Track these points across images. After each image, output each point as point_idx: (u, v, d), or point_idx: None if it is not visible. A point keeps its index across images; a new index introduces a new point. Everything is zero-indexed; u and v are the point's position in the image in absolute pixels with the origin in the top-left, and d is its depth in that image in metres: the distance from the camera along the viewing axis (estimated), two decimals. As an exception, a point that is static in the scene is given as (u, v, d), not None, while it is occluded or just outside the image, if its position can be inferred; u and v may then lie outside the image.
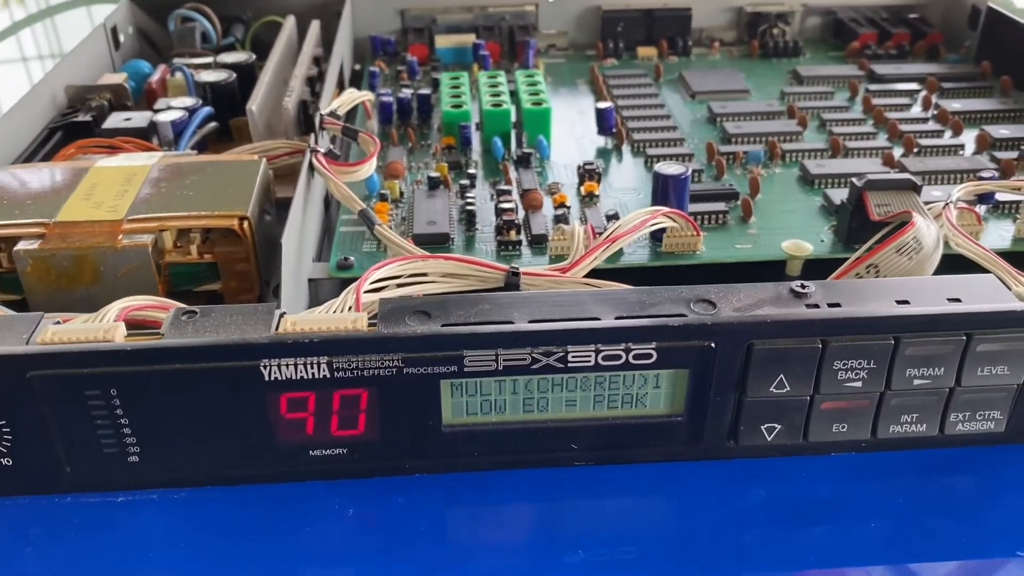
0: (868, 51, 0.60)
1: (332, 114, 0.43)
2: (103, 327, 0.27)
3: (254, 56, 0.50)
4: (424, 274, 0.33)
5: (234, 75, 0.47)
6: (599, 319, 0.28)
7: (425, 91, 0.51)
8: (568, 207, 0.42)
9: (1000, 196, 0.39)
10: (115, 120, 0.44)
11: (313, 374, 0.27)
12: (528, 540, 0.29)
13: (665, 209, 0.37)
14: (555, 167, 0.46)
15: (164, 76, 0.52)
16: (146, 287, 0.33)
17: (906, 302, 0.29)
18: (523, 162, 0.46)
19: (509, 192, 0.42)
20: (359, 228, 0.40)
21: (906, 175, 0.38)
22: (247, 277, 0.35)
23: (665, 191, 0.39)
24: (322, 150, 0.39)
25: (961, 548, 0.29)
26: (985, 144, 0.47)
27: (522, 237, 0.39)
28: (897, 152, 0.47)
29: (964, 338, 0.28)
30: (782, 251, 0.39)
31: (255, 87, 0.44)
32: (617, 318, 0.28)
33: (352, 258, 0.38)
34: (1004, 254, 0.38)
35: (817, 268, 0.38)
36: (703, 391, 0.29)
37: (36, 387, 0.27)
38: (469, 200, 0.41)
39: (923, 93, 0.54)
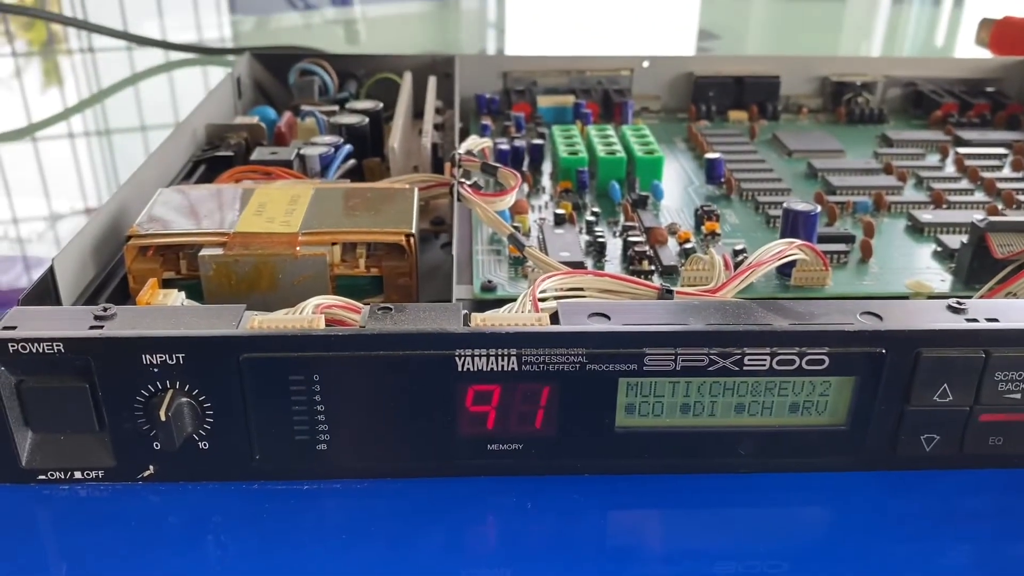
0: (951, 119, 0.62)
1: (468, 153, 0.45)
2: (306, 318, 0.29)
3: (381, 104, 0.53)
4: (581, 289, 0.35)
5: (367, 119, 0.50)
6: (772, 324, 0.29)
7: (537, 141, 0.54)
8: (692, 243, 0.43)
9: None
10: (261, 153, 0.46)
11: (503, 366, 0.29)
12: (685, 547, 0.30)
13: (799, 242, 0.38)
14: (670, 211, 0.48)
15: (291, 121, 0.55)
16: (319, 295, 0.35)
17: (1056, 318, 0.30)
18: (640, 204, 0.48)
19: (634, 228, 0.44)
20: (495, 256, 0.43)
21: (1026, 218, 0.40)
22: (408, 291, 0.37)
23: (795, 226, 0.40)
24: (468, 182, 0.41)
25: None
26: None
27: (653, 268, 0.41)
28: (999, 206, 0.49)
29: (1120, 352, 0.29)
30: (906, 288, 0.40)
31: (392, 129, 0.47)
32: (791, 324, 0.29)
33: (494, 280, 0.40)
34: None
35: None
36: (868, 399, 0.30)
37: (246, 369, 0.28)
38: (599, 233, 0.43)
39: (1011, 157, 0.56)
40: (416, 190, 0.40)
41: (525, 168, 0.54)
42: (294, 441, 0.30)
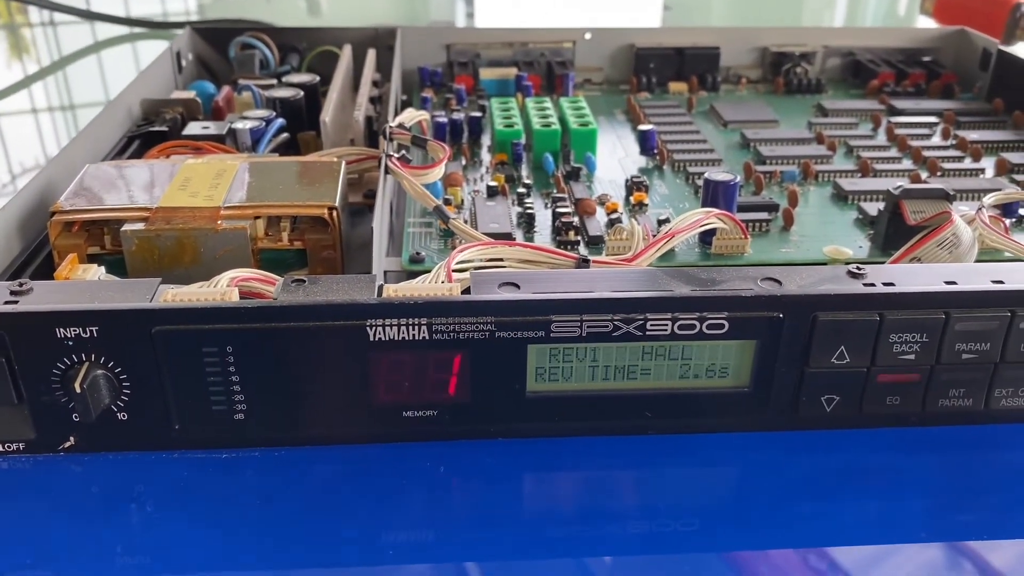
0: (887, 88, 0.64)
1: (400, 126, 0.46)
2: (219, 291, 0.30)
3: (318, 78, 0.53)
4: (500, 260, 0.35)
5: (302, 92, 0.50)
6: (674, 291, 0.30)
7: (476, 114, 0.55)
8: (620, 213, 0.44)
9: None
10: (193, 128, 0.46)
11: (414, 335, 0.30)
12: (598, 507, 0.31)
13: (717, 211, 0.39)
14: (602, 182, 0.49)
15: (229, 95, 0.55)
16: (242, 267, 0.35)
17: (953, 283, 0.31)
18: (573, 176, 0.49)
19: (564, 199, 0.45)
20: (426, 228, 0.43)
21: (939, 186, 0.41)
22: (333, 264, 0.37)
23: (715, 197, 0.41)
24: (396, 155, 0.42)
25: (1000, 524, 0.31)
26: (1004, 168, 0.50)
27: (579, 238, 0.42)
28: (923, 174, 0.50)
29: (1009, 314, 0.31)
30: (824, 255, 0.41)
31: (325, 103, 0.48)
32: (692, 291, 0.30)
33: (423, 252, 0.41)
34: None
35: (857, 271, 0.41)
36: (769, 362, 0.31)
37: (159, 342, 0.29)
38: (528, 205, 0.44)
39: (941, 126, 0.57)
40: (343, 163, 0.41)
41: (464, 141, 0.54)
42: (212, 411, 0.30)
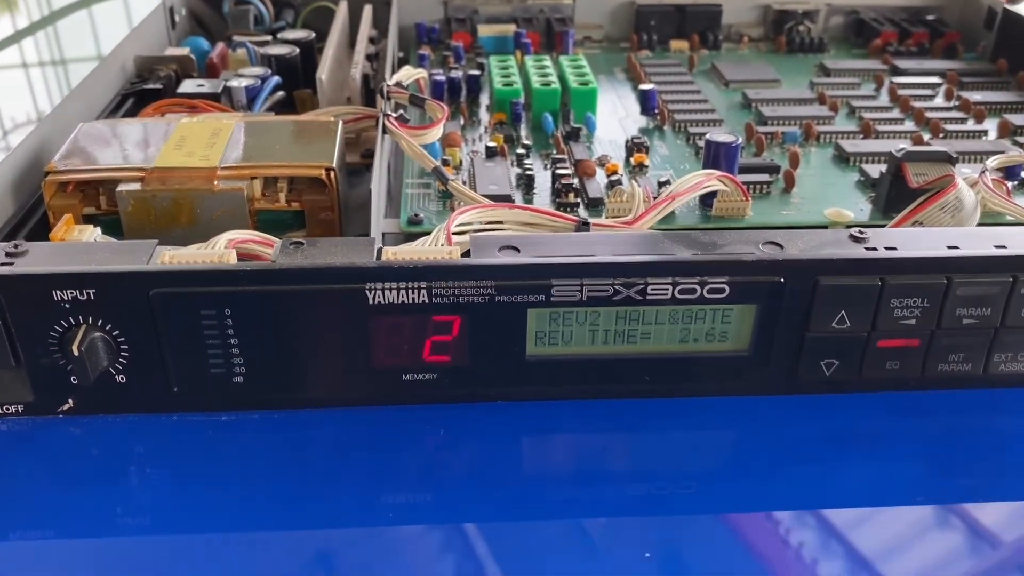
0: (890, 48, 0.63)
1: (398, 85, 0.45)
2: (217, 253, 0.30)
3: (313, 34, 0.52)
4: (500, 222, 0.35)
5: (297, 49, 0.49)
6: (675, 255, 0.30)
7: (475, 72, 0.54)
8: (620, 175, 0.44)
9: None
10: (188, 86, 0.46)
11: (413, 299, 0.29)
12: (597, 469, 0.31)
13: (719, 173, 0.39)
14: (602, 142, 0.49)
15: (223, 52, 0.54)
16: (239, 229, 0.35)
17: (956, 247, 0.31)
18: (572, 136, 0.48)
19: (564, 160, 0.44)
20: (424, 189, 0.43)
21: (942, 148, 0.41)
22: (331, 226, 0.37)
23: (716, 158, 0.41)
24: (394, 115, 0.41)
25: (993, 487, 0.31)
26: (1007, 130, 0.50)
27: (579, 200, 0.42)
28: (925, 136, 0.50)
29: (1011, 279, 0.31)
30: (825, 218, 0.41)
31: (321, 60, 0.47)
32: (693, 255, 0.30)
33: (421, 214, 0.40)
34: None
35: (858, 234, 0.41)
36: (769, 327, 0.31)
37: (156, 304, 0.29)
38: (527, 166, 0.44)
39: (944, 86, 0.56)
40: (341, 123, 0.40)
41: (462, 99, 0.54)
42: (210, 374, 0.30)
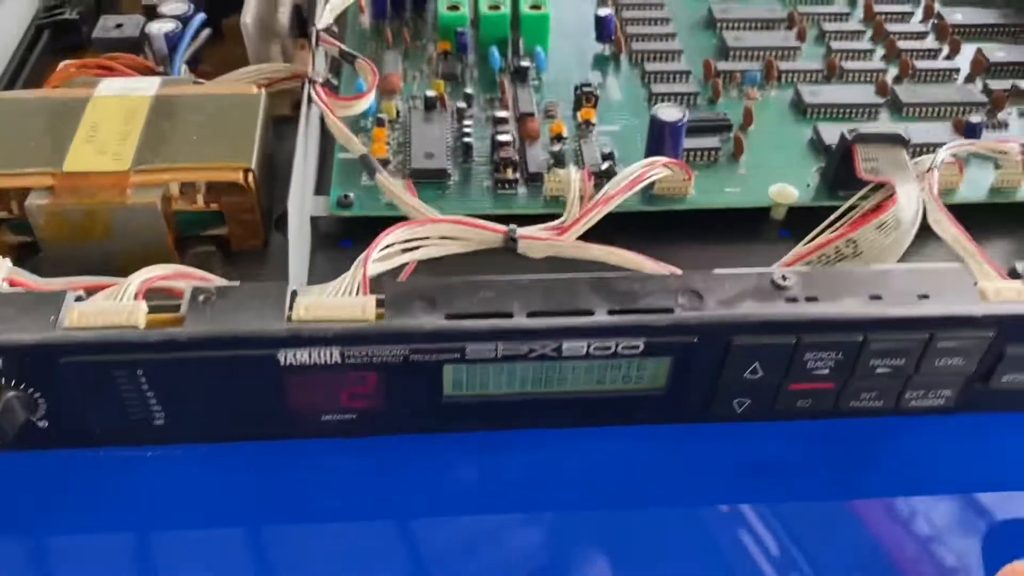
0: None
1: (328, 30, 0.42)
2: (127, 308, 0.29)
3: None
4: (426, 237, 0.34)
5: (223, -30, 0.45)
6: (592, 312, 0.30)
7: (420, -19, 0.50)
8: (564, 139, 0.42)
9: (979, 151, 0.40)
10: (105, 27, 0.42)
11: (326, 360, 0.29)
12: (512, 497, 0.33)
13: (663, 160, 0.38)
14: (553, 83, 0.46)
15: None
16: (157, 238, 0.34)
17: (878, 297, 0.31)
18: (520, 76, 0.46)
19: (506, 121, 0.42)
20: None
21: (896, 130, 0.39)
22: (252, 225, 0.36)
23: (661, 137, 0.39)
24: (320, 80, 0.39)
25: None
26: (980, 69, 0.47)
27: (518, 176, 0.40)
28: (892, 72, 0.47)
29: (927, 336, 0.31)
30: (770, 198, 0.40)
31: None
32: (609, 312, 0.30)
33: (351, 195, 0.39)
34: (979, 205, 0.40)
35: (802, 214, 0.40)
36: (684, 374, 0.31)
37: (67, 371, 0.29)
38: (466, 129, 0.42)
39: (924, 2, 0.53)
40: (263, 95, 0.38)
41: (407, 15, 0.50)
42: (130, 420, 0.31)
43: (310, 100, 0.38)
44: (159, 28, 0.41)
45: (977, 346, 0.31)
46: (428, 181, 0.40)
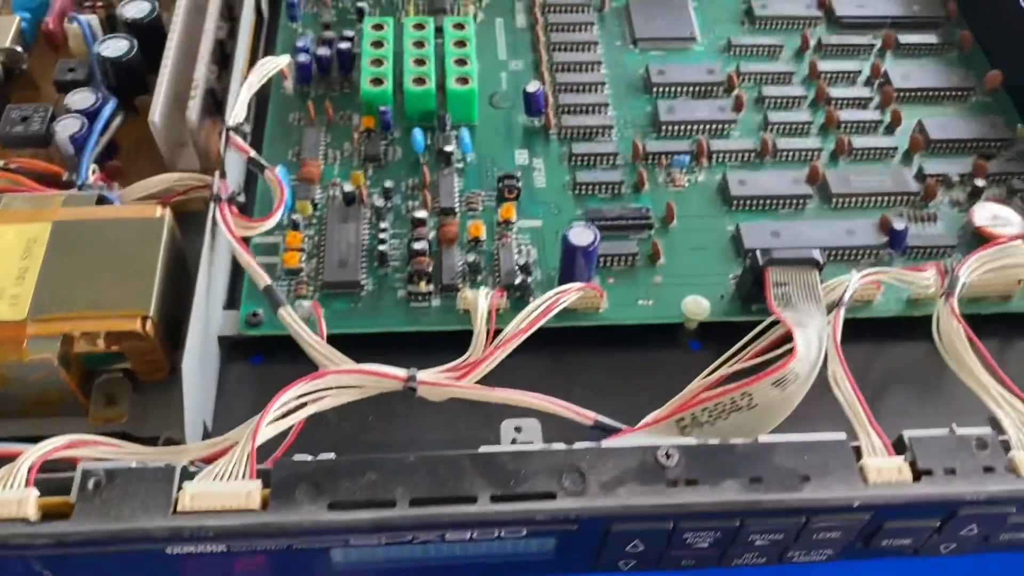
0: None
1: (238, 129, 0.41)
2: (16, 498, 0.30)
3: (157, 8, 0.46)
4: (326, 388, 0.34)
5: (135, 46, 0.43)
6: (475, 498, 0.30)
7: (345, 45, 0.48)
8: (482, 242, 0.41)
9: (890, 281, 0.40)
10: (11, 120, 0.41)
11: (212, 550, 0.30)
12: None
13: (577, 286, 0.38)
14: (479, 164, 0.45)
15: (63, 10, 0.48)
16: (58, 384, 0.35)
17: (759, 479, 0.31)
18: (444, 159, 0.45)
19: (423, 223, 0.42)
20: (270, 259, 0.41)
21: (810, 256, 0.38)
22: (156, 362, 0.36)
23: (573, 258, 0.39)
24: (225, 196, 0.38)
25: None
26: (919, 147, 0.46)
27: (432, 288, 0.40)
28: (828, 147, 0.46)
29: (804, 520, 0.31)
30: (682, 312, 0.40)
31: (156, 85, 0.41)
32: (492, 498, 0.30)
33: (261, 313, 0.39)
34: (897, 318, 0.40)
35: (715, 328, 0.40)
36: (568, 548, 0.32)
37: (-42, 561, 0.30)
38: (381, 236, 0.41)
39: (875, 51, 0.51)
40: (167, 219, 0.37)
41: (335, 77, 0.48)
42: (31, 588, 0.32)
43: (215, 221, 0.38)
44: (64, 129, 0.40)
45: (854, 524, 0.32)
46: (340, 292, 0.40)
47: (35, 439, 0.34)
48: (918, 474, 0.31)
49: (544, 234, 0.42)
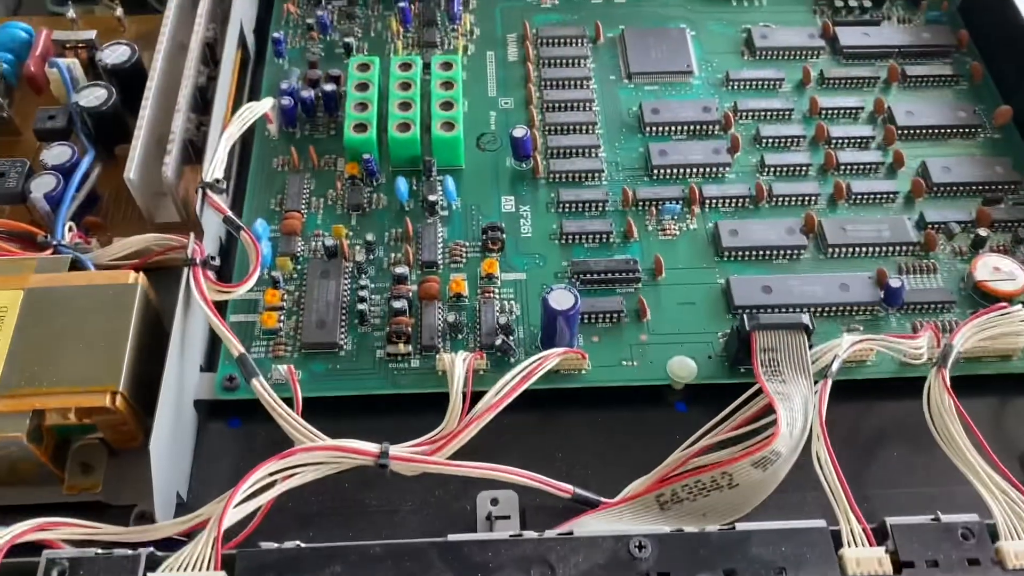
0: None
1: (215, 186, 0.40)
2: (-22, 589, 0.30)
3: (136, 51, 0.45)
4: (300, 465, 0.34)
5: (113, 95, 0.43)
6: (439, 599, 0.30)
7: (331, 87, 0.47)
8: (464, 298, 0.41)
9: (880, 349, 0.38)
10: (-9, 177, 0.41)
11: (174, 646, 0.30)
12: None
13: (559, 351, 0.37)
14: (464, 212, 0.44)
15: (45, 53, 0.47)
16: (29, 460, 0.34)
17: (732, 572, 0.30)
18: (430, 209, 0.44)
19: (404, 280, 0.41)
20: (248, 317, 0.40)
21: (799, 320, 0.37)
22: (128, 433, 0.36)
23: (554, 322, 0.38)
24: (199, 261, 0.38)
25: None
26: (920, 191, 0.45)
27: (411, 348, 0.39)
28: (827, 192, 0.45)
29: (776, 623, 0.30)
30: (667, 374, 0.39)
31: (133, 141, 0.41)
32: (457, 598, 0.30)
33: (237, 378, 0.38)
34: (888, 380, 0.39)
35: (702, 389, 0.39)
36: (538, 635, 0.32)
37: (-76, 654, 0.30)
38: (361, 294, 0.40)
39: (880, 84, 0.49)
40: (139, 286, 0.37)
41: (319, 119, 0.47)
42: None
43: (188, 285, 0.37)
44: (38, 187, 0.40)
45: (831, 617, 0.31)
46: (319, 352, 0.39)
47: (7, 510, 0.34)
48: (899, 566, 0.30)
49: (528, 287, 0.41)
